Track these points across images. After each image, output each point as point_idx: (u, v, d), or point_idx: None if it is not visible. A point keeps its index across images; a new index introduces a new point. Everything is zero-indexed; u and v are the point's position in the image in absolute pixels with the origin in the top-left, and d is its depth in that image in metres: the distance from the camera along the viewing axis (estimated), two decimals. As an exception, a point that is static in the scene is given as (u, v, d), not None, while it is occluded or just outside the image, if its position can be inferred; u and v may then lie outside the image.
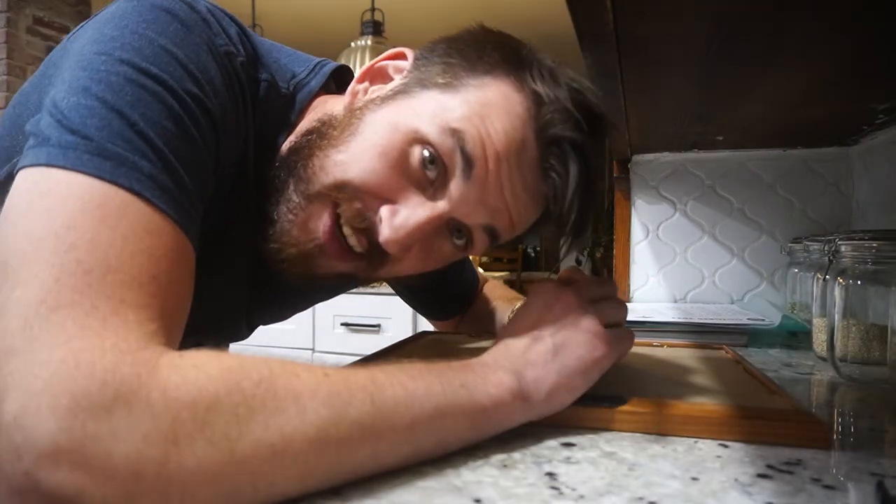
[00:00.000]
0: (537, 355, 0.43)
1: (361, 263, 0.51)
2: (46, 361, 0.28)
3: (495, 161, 0.48)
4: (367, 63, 0.55)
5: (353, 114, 0.51)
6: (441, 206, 0.49)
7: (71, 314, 0.30)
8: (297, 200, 0.50)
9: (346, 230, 0.50)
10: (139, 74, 0.39)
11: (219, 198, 0.49)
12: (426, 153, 0.47)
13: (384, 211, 0.48)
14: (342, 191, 0.48)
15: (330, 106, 0.54)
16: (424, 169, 0.48)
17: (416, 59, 0.53)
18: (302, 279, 0.52)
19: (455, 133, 0.47)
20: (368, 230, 0.49)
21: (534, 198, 0.51)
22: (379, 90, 0.52)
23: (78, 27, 0.47)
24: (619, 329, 0.48)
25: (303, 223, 0.50)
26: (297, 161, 0.51)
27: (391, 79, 0.53)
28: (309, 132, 0.52)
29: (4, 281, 0.31)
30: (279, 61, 0.54)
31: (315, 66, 0.56)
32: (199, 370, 0.30)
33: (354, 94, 0.53)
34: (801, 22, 0.54)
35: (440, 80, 0.49)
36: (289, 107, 0.54)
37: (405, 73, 0.52)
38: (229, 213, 0.52)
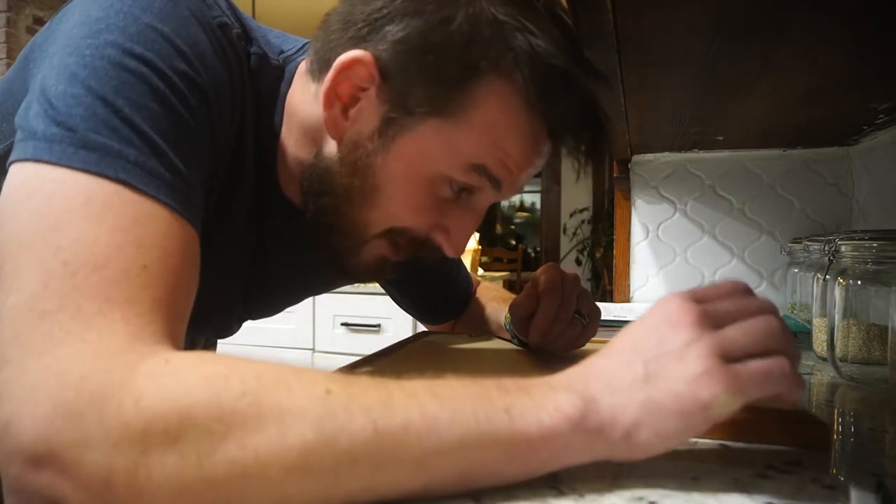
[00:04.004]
0: (620, 380, 0.33)
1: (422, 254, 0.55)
2: (33, 370, 0.29)
3: (519, 170, 0.50)
4: (324, 84, 0.48)
5: (357, 163, 0.49)
6: (479, 208, 0.53)
7: (57, 320, 0.30)
8: (351, 245, 0.52)
9: (403, 248, 0.54)
10: (124, 56, 0.38)
11: (218, 177, 0.49)
12: (455, 187, 0.50)
13: (438, 237, 0.52)
14: (392, 231, 0.52)
15: (310, 110, 0.51)
16: (456, 193, 0.51)
17: (380, 70, 0.47)
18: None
19: (477, 168, 0.48)
20: (423, 242, 0.53)
21: (549, 152, 0.53)
22: (361, 119, 0.49)
23: (63, 9, 0.46)
24: (759, 363, 0.33)
25: (367, 254, 0.53)
26: (324, 212, 0.52)
27: (359, 96, 0.48)
28: (318, 175, 0.51)
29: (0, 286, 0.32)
30: (267, 38, 0.54)
31: (303, 46, 0.55)
32: (177, 378, 0.29)
33: (334, 126, 0.49)
34: (801, 22, 0.54)
35: (427, 107, 0.47)
36: (280, 78, 0.53)
37: (374, 90, 0.48)
38: (227, 193, 0.51)
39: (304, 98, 0.52)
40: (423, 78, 0.46)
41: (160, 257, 0.35)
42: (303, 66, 0.53)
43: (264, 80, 0.52)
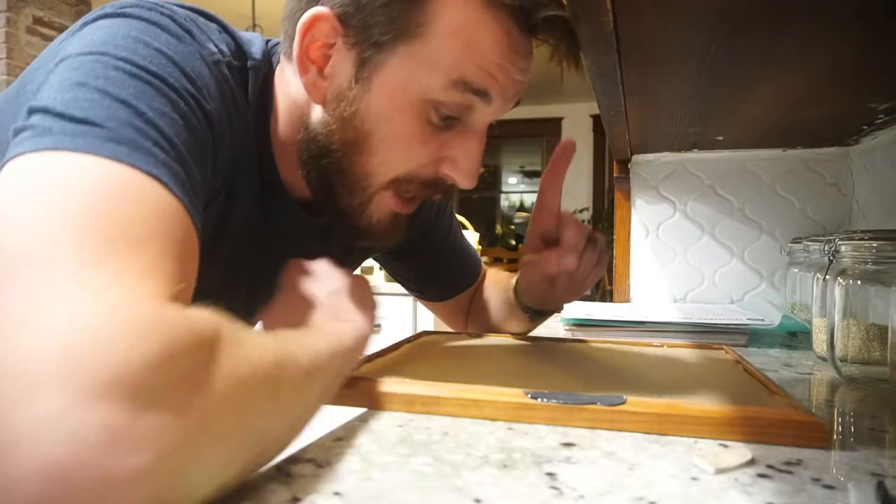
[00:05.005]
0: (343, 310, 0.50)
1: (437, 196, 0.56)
2: (101, 295, 0.27)
3: (502, 73, 0.49)
4: (294, 50, 0.50)
5: (344, 115, 0.50)
6: (479, 129, 0.53)
7: (102, 271, 0.28)
8: (359, 202, 0.53)
9: (414, 194, 0.54)
10: (139, 70, 0.38)
11: (218, 195, 0.50)
12: (443, 111, 0.50)
13: (446, 169, 0.53)
14: (397, 181, 0.52)
15: (293, 89, 0.53)
16: (447, 119, 0.50)
17: (341, 19, 0.48)
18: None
19: (458, 83, 0.48)
20: (435, 183, 0.54)
21: (530, 51, 0.52)
22: (337, 74, 0.50)
23: (47, 51, 0.46)
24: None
25: (376, 210, 0.54)
26: (327, 173, 0.52)
27: (329, 54, 0.50)
28: (314, 144, 0.52)
29: (18, 270, 0.28)
30: (258, 38, 0.55)
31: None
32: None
33: (315, 89, 0.51)
34: (801, 22, 0.54)
35: (391, 34, 0.47)
36: (269, 78, 0.55)
37: (341, 41, 0.49)
38: (228, 208, 0.52)
39: (286, 80, 0.54)
40: (380, 6, 0.47)
41: (185, 259, 0.34)
42: (282, 55, 0.55)
43: (263, 92, 0.53)
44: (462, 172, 0.53)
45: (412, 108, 0.49)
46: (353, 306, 0.50)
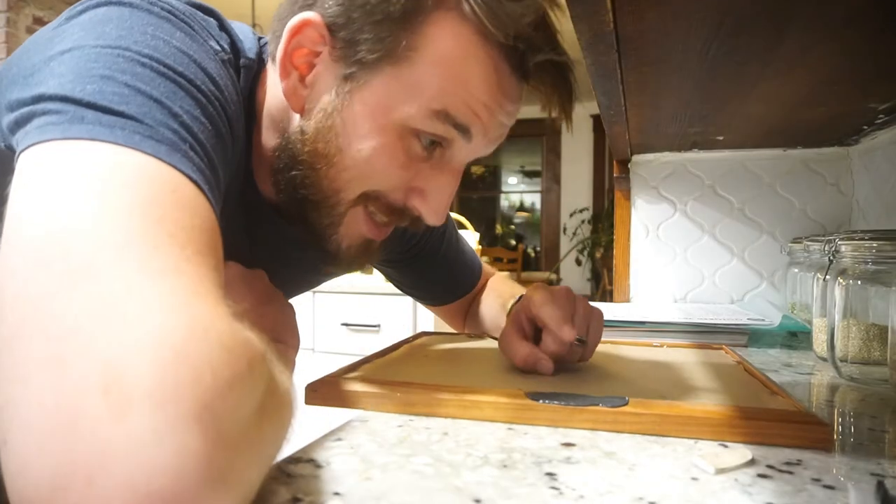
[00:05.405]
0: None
1: (404, 224, 0.55)
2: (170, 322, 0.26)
3: (487, 112, 0.48)
4: (279, 52, 0.48)
5: (319, 126, 0.48)
6: (456, 167, 0.52)
7: (180, 281, 0.28)
8: (328, 222, 0.52)
9: (381, 218, 0.53)
10: (166, 69, 0.37)
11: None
12: (423, 140, 0.48)
13: (415, 201, 0.51)
14: (367, 197, 0.51)
15: (273, 92, 0.52)
16: (427, 148, 0.49)
17: (329, 28, 0.47)
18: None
19: (440, 114, 0.47)
20: (402, 211, 0.52)
21: (520, 95, 0.51)
22: (318, 84, 0.48)
23: (39, 34, 0.43)
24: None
25: (346, 235, 0.53)
26: (295, 186, 0.50)
27: (314, 62, 0.48)
28: (286, 153, 0.50)
29: (93, 268, 0.27)
30: (249, 33, 0.54)
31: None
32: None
33: (294, 95, 0.49)
34: (801, 22, 0.54)
35: (378, 53, 0.46)
36: (256, 78, 0.53)
37: (327, 51, 0.48)
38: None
39: (272, 83, 0.52)
40: (370, 23, 0.46)
41: (221, 268, 0.33)
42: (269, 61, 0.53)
43: (253, 93, 0.52)
44: (430, 208, 0.51)
45: (392, 131, 0.47)
46: (286, 325, 0.50)
